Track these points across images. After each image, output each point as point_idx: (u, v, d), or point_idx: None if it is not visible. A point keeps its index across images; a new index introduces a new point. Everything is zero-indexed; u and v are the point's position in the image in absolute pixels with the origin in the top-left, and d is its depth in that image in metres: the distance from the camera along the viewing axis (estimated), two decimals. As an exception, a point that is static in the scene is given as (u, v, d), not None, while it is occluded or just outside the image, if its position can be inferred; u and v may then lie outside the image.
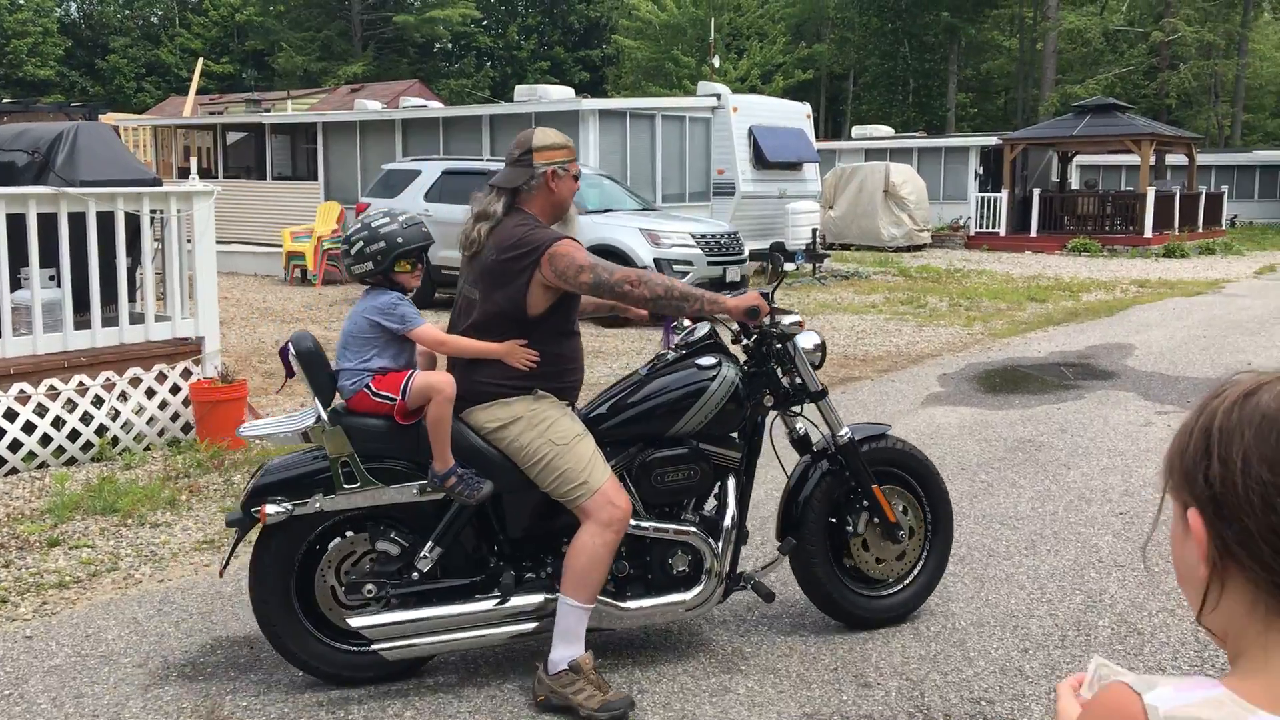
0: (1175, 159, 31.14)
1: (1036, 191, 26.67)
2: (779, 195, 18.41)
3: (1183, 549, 1.04)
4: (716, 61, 34.31)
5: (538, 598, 3.65)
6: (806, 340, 4.05)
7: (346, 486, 3.56)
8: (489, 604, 3.63)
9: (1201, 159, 33.27)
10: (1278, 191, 39.45)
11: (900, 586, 4.21)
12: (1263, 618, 0.98)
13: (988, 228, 26.67)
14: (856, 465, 4.05)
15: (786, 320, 3.94)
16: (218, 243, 8.17)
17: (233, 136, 22.66)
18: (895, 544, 4.14)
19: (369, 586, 3.61)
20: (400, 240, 3.61)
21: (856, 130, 32.72)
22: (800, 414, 4.10)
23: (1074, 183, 30.32)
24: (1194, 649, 3.96)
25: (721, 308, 3.69)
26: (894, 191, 24.67)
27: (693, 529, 3.78)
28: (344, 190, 18.96)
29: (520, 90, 19.05)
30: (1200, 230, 27.40)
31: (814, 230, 18.22)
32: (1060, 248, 25.05)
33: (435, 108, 20.57)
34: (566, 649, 3.53)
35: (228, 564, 3.81)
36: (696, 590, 3.78)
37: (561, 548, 3.70)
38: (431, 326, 3.69)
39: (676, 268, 12.63)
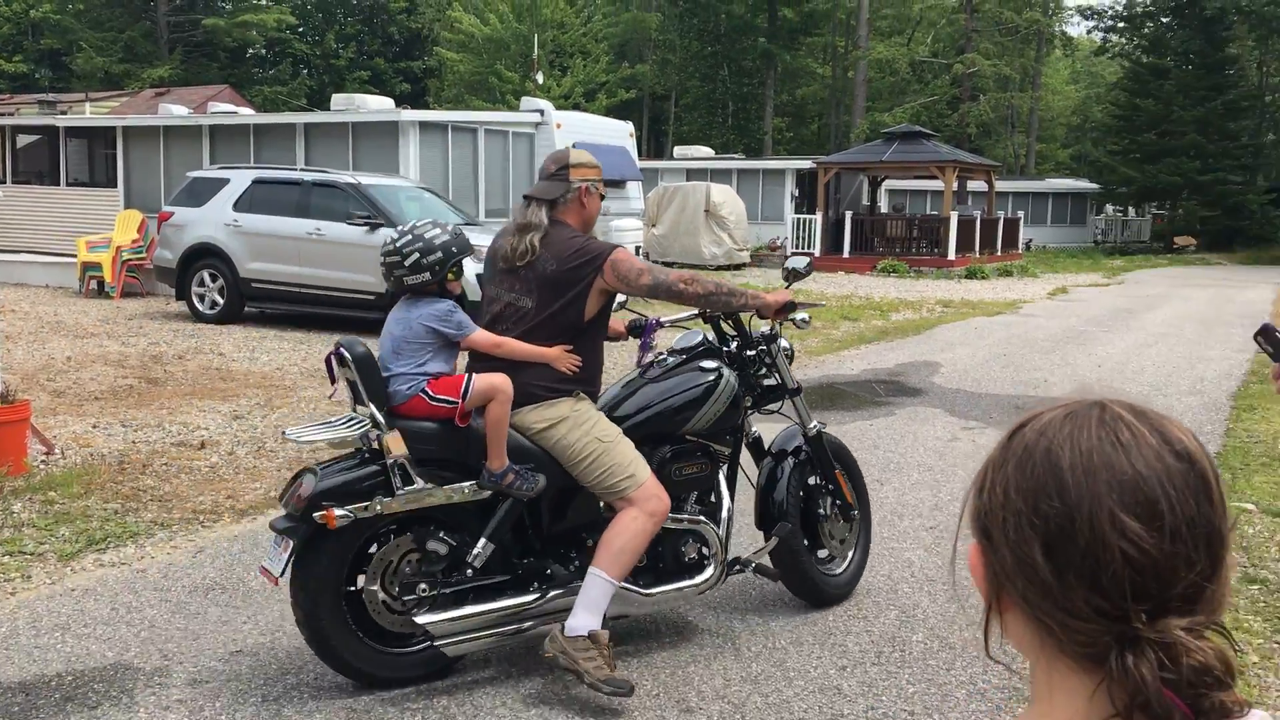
0: (976, 185, 32.79)
1: (849, 214, 27.64)
2: (603, 213, 18.44)
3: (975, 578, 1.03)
4: (540, 78, 34.26)
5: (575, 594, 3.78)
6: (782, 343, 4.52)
7: (403, 489, 3.60)
8: (532, 597, 3.79)
9: (1000, 186, 35.22)
10: (1068, 217, 42.11)
11: (846, 564, 4.68)
12: (1039, 649, 0.97)
13: (803, 248, 27.45)
14: (823, 454, 4.52)
15: (798, 317, 4.35)
16: (4, 252, 7.56)
17: (23, 140, 21.26)
18: (848, 523, 4.64)
19: (422, 585, 3.68)
20: (455, 250, 3.77)
21: (678, 150, 33.21)
22: (779, 410, 4.53)
23: (883, 206, 31.57)
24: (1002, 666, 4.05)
25: (762, 303, 4.06)
26: (715, 211, 25.12)
27: (702, 519, 4.09)
28: (146, 198, 17.99)
29: (337, 99, 18.51)
30: (999, 253, 28.91)
31: (638, 248, 18.33)
32: (871, 268, 26.00)
33: (246, 114, 19.79)
34: (588, 618, 3.66)
35: (285, 571, 3.56)
36: (707, 574, 4.07)
37: (586, 544, 3.92)
38: (484, 331, 3.83)
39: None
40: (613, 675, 3.60)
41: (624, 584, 3.79)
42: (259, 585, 4.68)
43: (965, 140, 39.70)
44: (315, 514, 3.48)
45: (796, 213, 28.16)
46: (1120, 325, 16.11)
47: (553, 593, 3.81)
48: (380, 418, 3.61)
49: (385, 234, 3.88)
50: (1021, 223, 32.34)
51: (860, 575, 4.74)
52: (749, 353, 4.38)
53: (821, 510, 4.55)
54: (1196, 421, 8.76)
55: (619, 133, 19.78)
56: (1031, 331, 14.99)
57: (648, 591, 3.95)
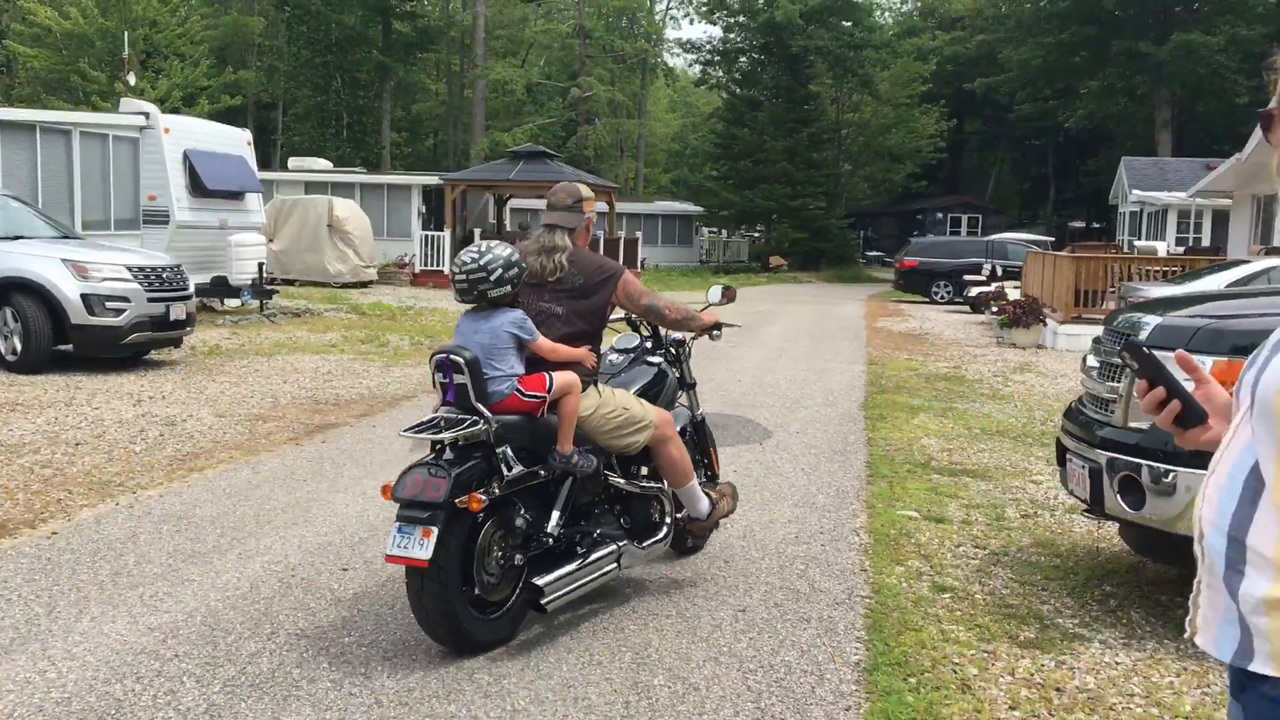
0: (598, 206, 33.69)
1: (477, 231, 27.44)
2: (220, 226, 17.00)
3: None
4: (132, 79, 31.51)
5: (615, 545, 4.66)
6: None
7: (509, 473, 4.17)
8: (608, 550, 4.60)
9: (618, 207, 36.43)
10: (676, 238, 44.41)
11: None
12: None
13: (432, 265, 26.95)
14: (703, 434, 5.53)
15: (714, 332, 5.26)
16: None
17: None
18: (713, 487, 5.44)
19: (518, 556, 4.30)
20: (523, 265, 4.43)
21: (294, 162, 31.64)
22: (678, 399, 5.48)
23: (508, 224, 31.71)
24: (749, 700, 3.91)
25: (701, 323, 5.12)
26: (339, 226, 24.06)
27: (656, 485, 4.95)
28: None
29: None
30: (621, 271, 29.86)
31: (260, 264, 17.07)
32: (500, 286, 25.93)
33: None
34: (701, 504, 4.99)
35: (433, 553, 3.93)
36: (664, 532, 4.93)
37: (594, 512, 4.77)
38: (544, 337, 4.44)
39: (110, 305, 11.05)
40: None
41: (623, 543, 4.71)
42: None
43: (584, 162, 40.82)
44: (457, 500, 3.95)
45: (424, 229, 27.60)
46: (743, 341, 16.98)
47: (624, 543, 4.71)
48: (487, 414, 4.15)
49: (468, 251, 4.44)
50: (640, 243, 33.63)
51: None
52: (670, 352, 5.41)
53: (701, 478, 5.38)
54: (841, 433, 9.27)
55: (236, 141, 18.35)
56: (668, 348, 15.42)
57: (643, 545, 4.83)
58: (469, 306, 4.45)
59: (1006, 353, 16.26)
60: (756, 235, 48.44)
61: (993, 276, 26.07)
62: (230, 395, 10.08)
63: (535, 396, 4.32)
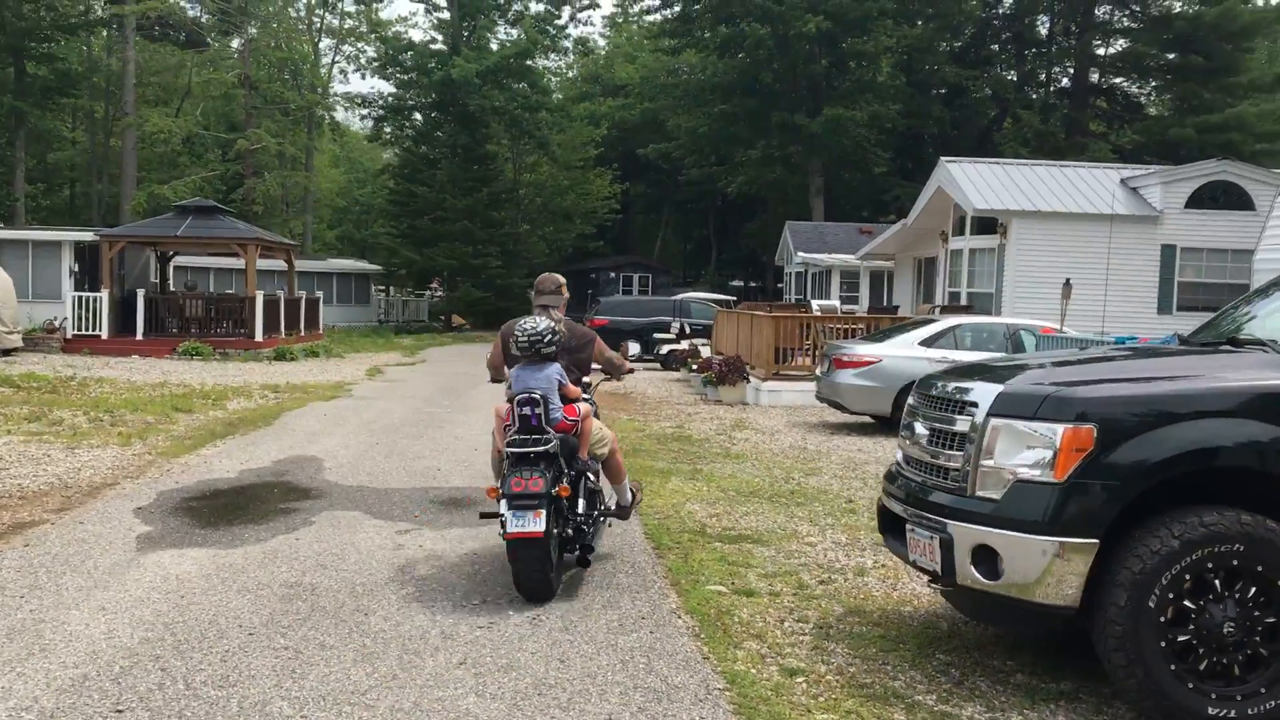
0: (273, 264, 31.91)
1: (141, 292, 25.12)
2: None
3: None
4: None
5: (597, 521, 6.69)
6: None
7: (568, 473, 6.20)
8: (595, 528, 6.65)
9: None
10: (353, 297, 42.87)
11: None
12: None
13: (88, 330, 24.34)
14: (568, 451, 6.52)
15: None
16: None
17: None
18: None
19: (569, 530, 6.24)
20: (560, 332, 6.37)
21: (-88, 214, 27.72)
22: None
23: (172, 284, 29.32)
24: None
25: (627, 369, 7.39)
26: (-23, 288, 21.18)
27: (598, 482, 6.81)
28: None
29: None
30: (304, 334, 28.31)
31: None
32: (170, 351, 23.86)
33: None
34: (628, 495, 7.05)
35: (545, 526, 5.79)
36: (613, 513, 6.96)
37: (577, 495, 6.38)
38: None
39: None
40: (640, 499, 7.51)
41: (599, 519, 6.69)
42: None
43: (252, 218, 38.55)
44: (554, 489, 5.86)
45: (77, 289, 24.89)
46: (458, 404, 16.41)
47: (597, 517, 6.65)
48: (554, 434, 6.05)
49: (526, 322, 6.29)
50: (321, 302, 32.10)
51: None
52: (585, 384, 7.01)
53: None
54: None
55: None
56: (381, 416, 14.60)
57: (605, 521, 6.92)
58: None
59: (717, 410, 16.62)
60: (437, 294, 47.70)
61: (681, 334, 26.86)
62: (-119, 493, 8.38)
63: (573, 421, 6.28)
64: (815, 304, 26.04)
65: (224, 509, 8.35)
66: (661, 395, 19.00)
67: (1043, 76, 47.55)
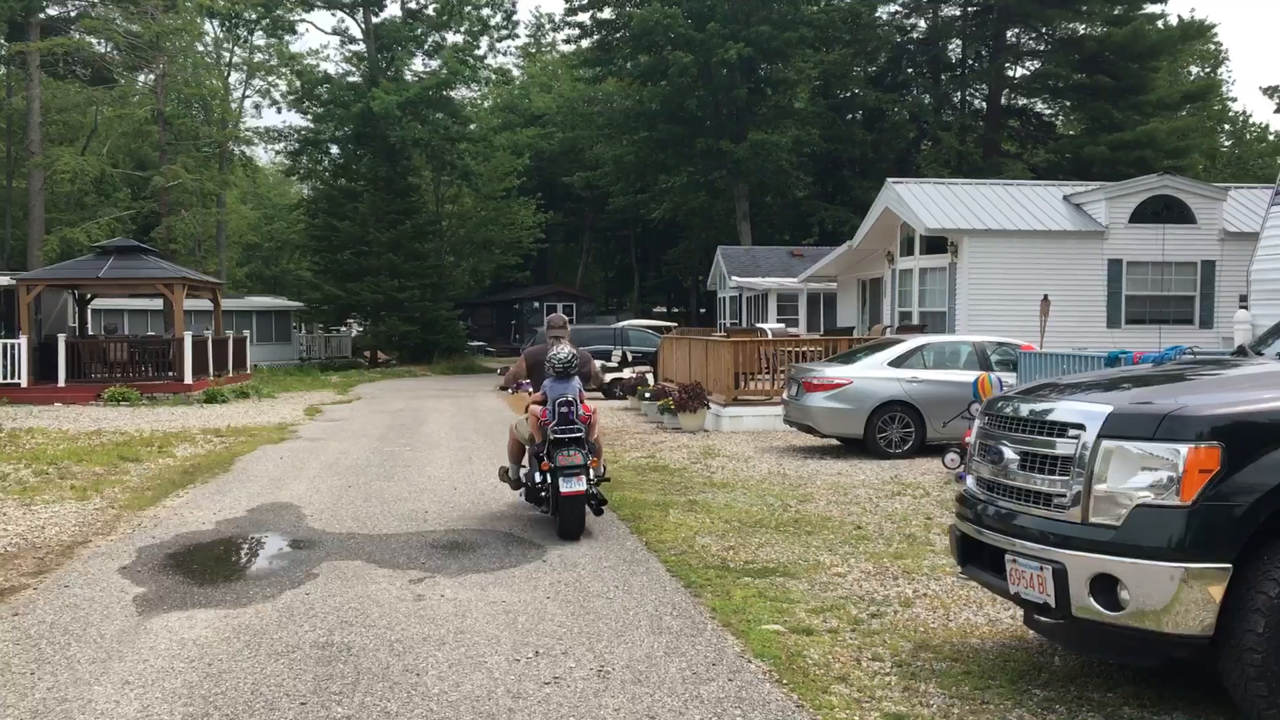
0: (196, 303, 30.85)
1: (62, 337, 24.00)
2: None
3: None
4: None
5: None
6: None
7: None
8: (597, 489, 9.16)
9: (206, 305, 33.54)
10: (274, 334, 41.72)
11: None
12: None
13: (8, 378, 23.15)
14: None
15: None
16: None
17: None
18: None
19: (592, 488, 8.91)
20: (583, 357, 9.28)
21: None
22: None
23: (91, 327, 28.17)
24: None
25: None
26: (-113, 337, 20.02)
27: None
28: None
29: None
30: (232, 374, 27.38)
31: None
32: (95, 397, 22.83)
33: None
34: (602, 467, 9.43)
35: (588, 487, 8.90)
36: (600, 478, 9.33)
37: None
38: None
39: None
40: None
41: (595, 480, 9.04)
42: None
43: (172, 256, 37.34)
44: (587, 462, 8.58)
45: (-6, 336, 23.69)
46: (415, 442, 15.90)
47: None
48: (581, 425, 8.70)
49: (560, 351, 8.79)
50: (249, 341, 31.13)
51: None
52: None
53: None
54: (608, 538, 8.61)
55: None
56: (340, 458, 14.02)
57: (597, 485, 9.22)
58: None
59: (680, 438, 16.35)
60: (360, 329, 46.76)
61: (623, 362, 26.58)
62: None
63: (589, 416, 8.81)
64: (766, 327, 25.96)
65: (215, 564, 7.81)
66: (617, 425, 18.65)
67: (958, 99, 48.46)
